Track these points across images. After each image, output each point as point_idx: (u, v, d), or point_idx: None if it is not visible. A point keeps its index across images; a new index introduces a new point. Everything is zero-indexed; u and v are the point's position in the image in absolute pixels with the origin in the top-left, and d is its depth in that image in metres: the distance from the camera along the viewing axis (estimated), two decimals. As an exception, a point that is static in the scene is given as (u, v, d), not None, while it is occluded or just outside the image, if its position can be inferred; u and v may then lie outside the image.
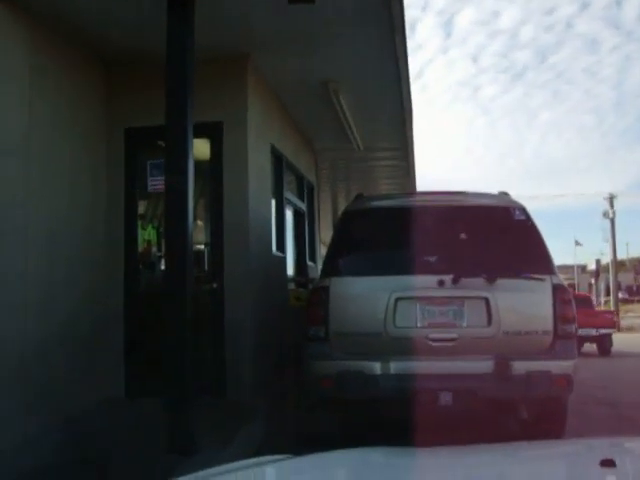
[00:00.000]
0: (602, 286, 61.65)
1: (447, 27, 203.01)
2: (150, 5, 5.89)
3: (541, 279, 5.99)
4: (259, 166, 7.99)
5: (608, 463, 1.62)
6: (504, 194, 6.91)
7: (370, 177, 15.90)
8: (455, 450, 2.52)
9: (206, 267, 7.51)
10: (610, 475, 1.64)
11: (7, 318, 5.56)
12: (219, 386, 7.20)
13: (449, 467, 2.13)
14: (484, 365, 5.85)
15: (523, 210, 6.44)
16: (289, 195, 10.18)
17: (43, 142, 6.19)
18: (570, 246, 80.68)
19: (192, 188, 5.56)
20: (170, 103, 5.56)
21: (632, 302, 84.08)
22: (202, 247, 7.68)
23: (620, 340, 32.73)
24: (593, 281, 68.40)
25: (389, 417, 6.54)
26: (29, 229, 5.92)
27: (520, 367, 5.78)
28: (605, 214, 46.75)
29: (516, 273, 6.02)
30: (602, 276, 61.03)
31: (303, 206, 11.41)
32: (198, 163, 7.27)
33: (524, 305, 6.05)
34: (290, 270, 10.25)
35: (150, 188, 7.57)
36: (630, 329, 42.91)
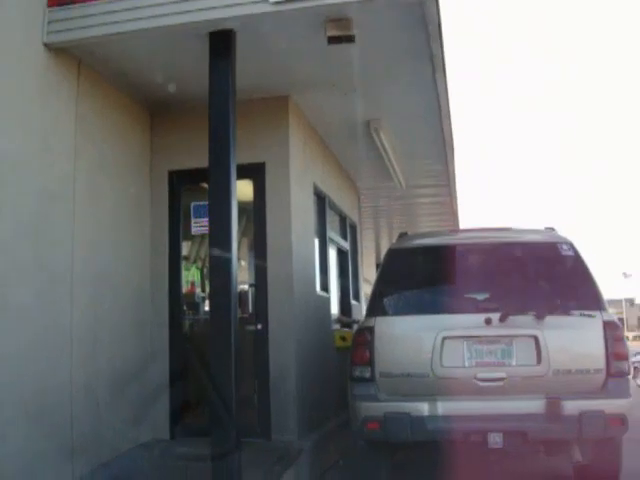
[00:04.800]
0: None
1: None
2: (192, 50, 5.97)
3: (591, 315, 5.87)
4: (302, 206, 8.00)
5: None
6: (550, 229, 6.83)
7: (413, 214, 15.84)
8: None
9: (250, 308, 7.48)
10: None
11: (56, 364, 5.59)
12: (264, 428, 7.15)
13: None
14: (534, 405, 5.70)
15: (571, 245, 6.35)
16: (332, 234, 10.16)
17: (88, 186, 6.27)
18: (618, 279, 79.20)
19: (236, 229, 5.59)
20: (213, 146, 5.63)
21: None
22: (246, 287, 7.67)
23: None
24: (642, 315, 67.06)
25: (438, 460, 6.40)
26: (74, 273, 5.97)
27: (572, 407, 5.63)
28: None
29: (565, 310, 5.90)
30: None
31: (346, 245, 11.38)
32: (241, 204, 7.34)
33: (574, 342, 5.91)
34: (334, 310, 10.20)
35: (194, 230, 7.62)
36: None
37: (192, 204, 7.61)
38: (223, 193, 5.55)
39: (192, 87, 6.62)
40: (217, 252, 5.52)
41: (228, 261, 5.39)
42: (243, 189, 7.49)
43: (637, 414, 6.16)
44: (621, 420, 5.70)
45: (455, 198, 13.78)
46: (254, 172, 7.46)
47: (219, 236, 5.52)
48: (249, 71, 6.27)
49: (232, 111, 5.68)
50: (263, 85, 7.21)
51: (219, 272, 5.51)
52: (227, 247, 5.42)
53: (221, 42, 5.71)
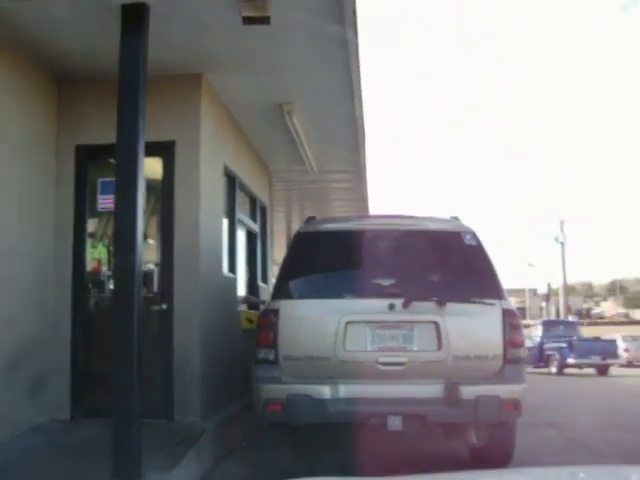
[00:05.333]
0: (552, 309, 62.56)
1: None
2: (103, 22, 5.83)
3: (491, 304, 6.04)
4: (211, 186, 7.93)
5: None
6: (455, 218, 6.97)
7: (324, 199, 15.93)
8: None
9: (155, 288, 7.39)
10: None
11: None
12: (167, 409, 7.09)
13: None
14: (434, 389, 5.85)
15: (473, 235, 6.48)
16: (242, 216, 10.12)
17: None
18: (523, 269, 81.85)
19: (142, 207, 5.49)
20: (121, 121, 5.51)
21: (581, 325, 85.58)
22: (152, 267, 7.56)
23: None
24: (544, 304, 69.41)
25: (339, 442, 6.50)
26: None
27: (469, 392, 5.79)
28: (556, 239, 47.55)
29: (466, 297, 6.05)
30: (553, 300, 61.96)
31: (256, 227, 11.35)
32: (150, 182, 7.23)
33: (474, 329, 6.06)
34: (242, 291, 10.18)
35: (100, 206, 7.47)
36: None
37: (99, 180, 7.44)
38: (130, 170, 5.44)
39: (102, 60, 6.47)
40: (121, 230, 5.43)
41: (132, 239, 5.31)
42: (154, 167, 7.38)
43: (530, 399, 6.42)
44: (515, 405, 5.90)
45: (366, 184, 13.92)
46: (164, 150, 7.36)
47: (124, 214, 5.41)
48: (162, 47, 6.17)
49: (142, 87, 5.57)
50: (176, 62, 7.09)
51: (123, 250, 5.42)
52: (132, 225, 5.32)
53: (134, 16, 5.58)
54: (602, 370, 24.64)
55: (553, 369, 25.07)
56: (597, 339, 27.60)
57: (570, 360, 24.34)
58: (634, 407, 13.41)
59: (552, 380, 22.15)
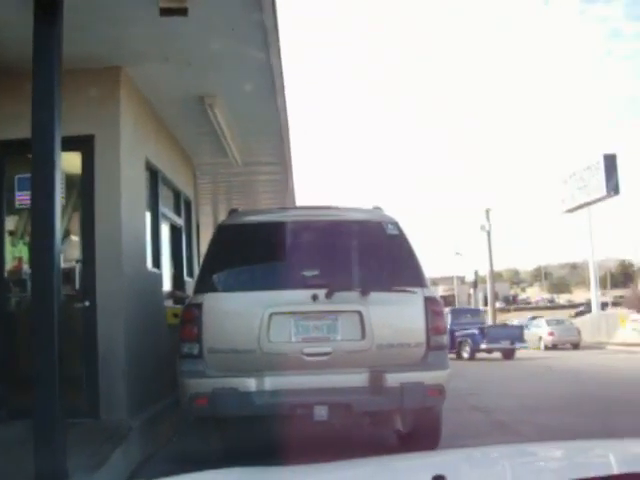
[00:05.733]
0: (480, 296, 63.82)
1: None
2: (15, 10, 5.66)
3: (413, 292, 6.12)
4: (132, 180, 7.81)
5: (440, 479, 1.67)
6: (377, 208, 7.03)
7: (250, 191, 15.88)
8: (322, 467, 2.53)
9: (77, 285, 7.25)
10: None
11: None
12: (92, 408, 6.98)
13: None
14: (358, 378, 5.92)
15: (396, 224, 6.55)
16: (165, 210, 9.99)
17: None
18: (451, 258, 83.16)
19: (59, 203, 5.37)
20: (37, 116, 5.35)
21: (508, 311, 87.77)
22: (74, 264, 7.42)
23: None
24: (472, 291, 70.72)
25: (266, 434, 6.51)
26: None
27: (394, 379, 5.88)
28: (482, 227, 48.43)
29: (388, 286, 6.13)
30: (480, 287, 63.19)
31: (180, 221, 11.23)
32: (70, 177, 7.08)
33: (397, 318, 6.15)
34: (167, 286, 10.07)
35: (18, 203, 7.29)
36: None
37: (16, 177, 7.26)
38: (46, 165, 5.30)
39: (16, 53, 6.27)
40: (39, 227, 5.31)
41: (50, 236, 5.18)
42: (74, 162, 7.24)
43: (454, 384, 6.56)
44: (439, 390, 6.02)
45: (291, 176, 13.92)
46: (83, 144, 7.22)
47: (41, 210, 5.28)
48: (78, 39, 6.06)
49: (58, 80, 5.41)
50: (93, 55, 6.96)
51: (41, 247, 5.29)
52: (50, 221, 5.20)
53: (47, 7, 5.43)
54: (509, 354, 25.94)
55: (465, 354, 26.41)
56: (505, 325, 29.27)
57: (482, 345, 25.76)
58: (549, 388, 13.87)
59: (466, 365, 22.89)
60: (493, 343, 25.65)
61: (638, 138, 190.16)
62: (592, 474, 1.68)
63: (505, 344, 25.76)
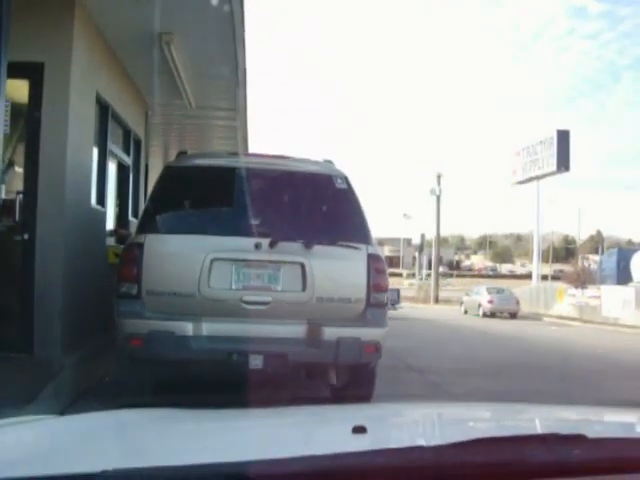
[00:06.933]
0: (425, 260, 64.59)
1: None
2: None
3: (357, 248, 6.11)
4: (81, 113, 7.60)
5: (360, 430, 1.67)
6: (328, 162, 6.97)
7: (204, 136, 15.68)
8: (248, 412, 2.53)
9: (17, 217, 7.07)
10: (359, 441, 1.68)
11: None
12: (26, 343, 6.85)
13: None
14: (296, 330, 5.93)
15: (345, 179, 6.50)
16: (113, 147, 9.78)
17: None
18: (400, 220, 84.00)
19: (1, 131, 5.20)
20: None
21: (451, 276, 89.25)
22: (16, 196, 7.22)
23: (435, 311, 34.65)
24: (417, 254, 71.54)
25: (201, 379, 6.50)
26: None
27: (331, 333, 5.90)
28: (432, 191, 48.77)
29: (333, 240, 6.11)
30: (426, 250, 63.92)
31: (128, 160, 11.01)
32: (18, 106, 6.84)
33: (339, 272, 6.14)
34: (111, 225, 9.91)
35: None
36: (447, 301, 45.59)
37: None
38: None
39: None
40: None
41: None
42: (22, 90, 7.00)
43: (390, 344, 6.62)
44: (375, 347, 6.06)
45: (246, 124, 13.78)
46: (31, 72, 6.98)
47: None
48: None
49: (6, 3, 5.21)
50: (48, -20, 6.70)
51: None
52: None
53: None
54: None
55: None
56: None
57: None
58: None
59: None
60: None
61: (589, 116, 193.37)
62: (508, 433, 1.70)
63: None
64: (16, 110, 6.96)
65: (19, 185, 7.20)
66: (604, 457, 1.49)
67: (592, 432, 1.76)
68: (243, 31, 8.01)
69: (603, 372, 11.45)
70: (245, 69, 9.79)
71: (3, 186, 6.83)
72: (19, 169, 7.38)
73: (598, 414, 2.56)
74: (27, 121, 7.16)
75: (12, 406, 5.20)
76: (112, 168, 10.05)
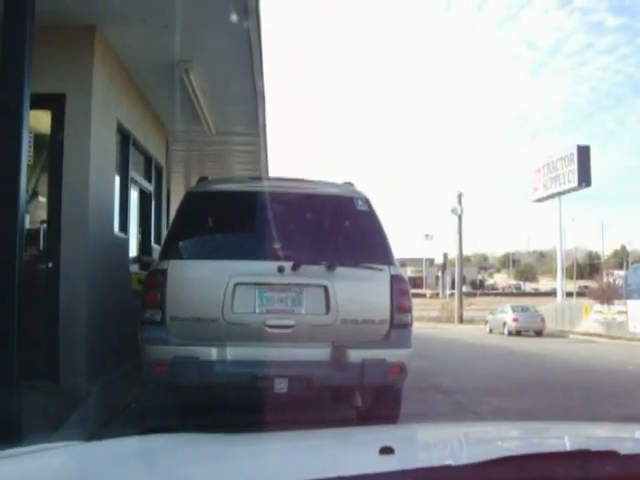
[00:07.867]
0: (448, 279, 64.27)
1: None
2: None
3: (380, 269, 6.11)
4: (103, 142, 7.70)
5: (387, 450, 1.66)
6: (349, 184, 7.00)
7: (224, 161, 15.78)
8: (274, 435, 2.52)
9: (42, 246, 7.15)
10: (387, 462, 1.66)
11: None
12: (52, 370, 6.90)
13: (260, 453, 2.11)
14: (321, 352, 5.91)
15: (366, 201, 6.51)
16: (135, 175, 9.87)
17: None
18: (422, 240, 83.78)
19: (25, 161, 5.26)
20: (5, 70, 5.23)
21: (475, 295, 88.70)
22: (40, 225, 7.30)
23: (459, 331, 34.40)
24: (440, 274, 71.22)
25: (226, 404, 6.49)
26: None
27: (356, 355, 5.88)
28: (454, 211, 48.55)
29: (355, 262, 6.10)
30: (449, 270, 63.62)
31: (150, 187, 11.12)
32: (40, 136, 6.94)
33: (362, 294, 6.13)
34: (134, 252, 9.98)
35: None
36: (471, 321, 45.24)
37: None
38: (14, 122, 5.19)
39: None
40: (3, 185, 5.20)
41: (14, 195, 5.09)
42: (45, 121, 7.11)
43: (415, 364, 6.58)
44: (400, 368, 6.02)
45: (266, 148, 13.84)
46: (53, 103, 7.09)
47: (6, 168, 5.17)
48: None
49: (30, 35, 5.29)
50: (68, 12, 6.84)
51: (4, 206, 5.19)
52: (14, 180, 5.10)
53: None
54: None
55: None
56: None
57: None
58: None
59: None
60: None
61: (605, 133, 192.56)
62: (538, 451, 1.68)
63: None
64: (39, 140, 7.06)
65: (43, 214, 7.28)
66: (637, 473, 1.47)
67: (624, 449, 1.72)
68: (260, 48, 8.07)
69: (633, 389, 11.29)
70: (263, 88, 9.84)
71: (27, 216, 6.91)
72: (43, 199, 7.46)
73: (629, 430, 2.53)
74: (50, 151, 7.26)
75: (39, 434, 5.24)
76: (134, 195, 10.13)
